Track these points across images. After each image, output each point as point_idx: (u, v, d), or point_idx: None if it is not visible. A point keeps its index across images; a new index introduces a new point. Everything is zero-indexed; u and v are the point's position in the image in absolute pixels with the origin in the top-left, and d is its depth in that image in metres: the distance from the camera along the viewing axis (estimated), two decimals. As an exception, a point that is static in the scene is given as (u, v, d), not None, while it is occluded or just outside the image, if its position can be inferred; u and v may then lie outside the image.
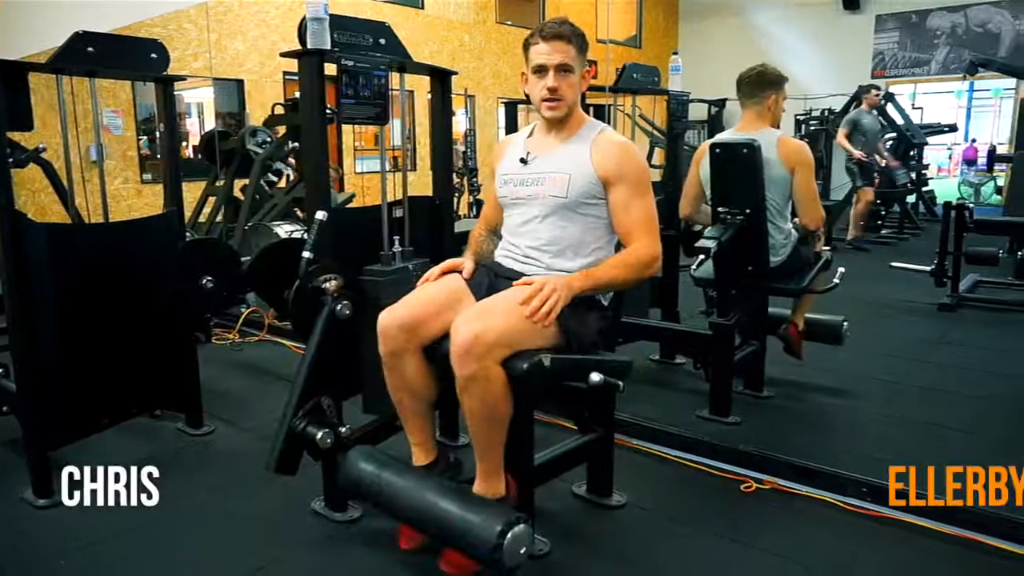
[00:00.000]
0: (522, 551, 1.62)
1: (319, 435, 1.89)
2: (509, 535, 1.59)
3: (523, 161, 2.00)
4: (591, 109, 3.34)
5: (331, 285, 1.97)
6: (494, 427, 1.74)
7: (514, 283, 1.83)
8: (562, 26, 1.88)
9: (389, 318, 1.85)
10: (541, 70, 1.89)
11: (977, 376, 3.42)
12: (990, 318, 4.55)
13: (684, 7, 14.71)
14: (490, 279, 1.97)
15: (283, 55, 2.03)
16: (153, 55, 2.56)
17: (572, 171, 1.91)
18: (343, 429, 1.97)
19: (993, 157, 8.97)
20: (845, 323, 3.22)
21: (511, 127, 3.52)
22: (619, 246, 1.99)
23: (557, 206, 1.91)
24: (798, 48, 12.96)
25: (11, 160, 2.21)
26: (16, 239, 2.15)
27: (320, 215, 1.98)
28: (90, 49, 2.37)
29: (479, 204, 8.32)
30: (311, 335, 1.97)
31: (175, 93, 2.73)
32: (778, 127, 2.92)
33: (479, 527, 1.62)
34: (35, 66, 2.33)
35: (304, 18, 1.94)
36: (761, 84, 2.83)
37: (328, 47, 1.96)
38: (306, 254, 1.95)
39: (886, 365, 3.58)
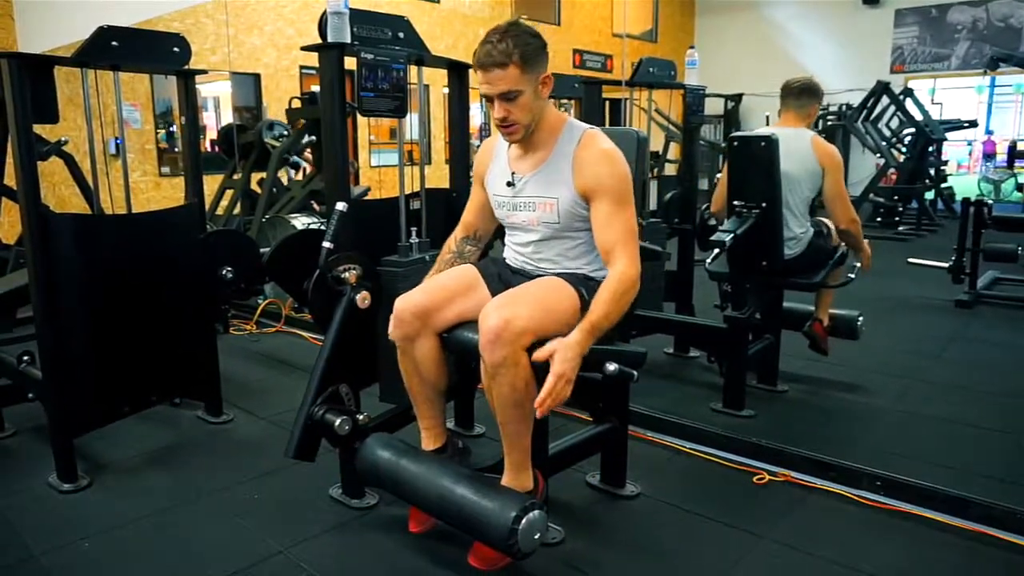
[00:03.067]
0: (536, 537, 1.65)
1: (337, 422, 1.93)
2: (524, 521, 1.62)
3: (510, 184, 1.93)
4: (607, 104, 3.36)
5: (351, 275, 2.01)
6: (522, 414, 1.74)
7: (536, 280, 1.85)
8: (497, 46, 1.73)
9: (404, 303, 1.87)
10: (489, 99, 1.80)
11: (993, 372, 3.40)
12: (1008, 315, 4.53)
13: (701, 2, 14.63)
14: (503, 272, 1.99)
15: (304, 48, 2.06)
16: (175, 49, 2.59)
17: (558, 195, 1.85)
18: (360, 416, 2.00)
19: (1014, 153, 8.88)
20: (860, 317, 3.22)
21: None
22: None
23: (552, 230, 1.90)
24: (815, 43, 12.86)
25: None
26: (43, 231, 2.20)
27: (340, 206, 2.01)
28: (114, 43, 2.41)
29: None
30: (330, 324, 2.00)
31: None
32: None
33: (494, 513, 1.65)
34: (61, 60, 2.37)
35: (325, 12, 1.96)
36: (810, 93, 2.96)
37: (348, 40, 1.98)
38: (326, 244, 1.98)
39: (902, 361, 3.57)
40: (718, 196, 3.17)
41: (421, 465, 1.87)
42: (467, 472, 1.85)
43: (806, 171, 2.82)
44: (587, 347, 1.70)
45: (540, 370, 1.71)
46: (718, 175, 3.20)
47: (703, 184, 3.73)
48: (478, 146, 7.74)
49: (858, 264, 2.99)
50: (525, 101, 1.78)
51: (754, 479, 2.32)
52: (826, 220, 2.98)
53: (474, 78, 1.94)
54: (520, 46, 1.74)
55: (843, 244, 2.96)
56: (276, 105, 7.94)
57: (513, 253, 2.04)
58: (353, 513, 2.14)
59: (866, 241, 2.98)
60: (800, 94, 2.96)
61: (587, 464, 2.23)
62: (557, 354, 1.65)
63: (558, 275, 1.89)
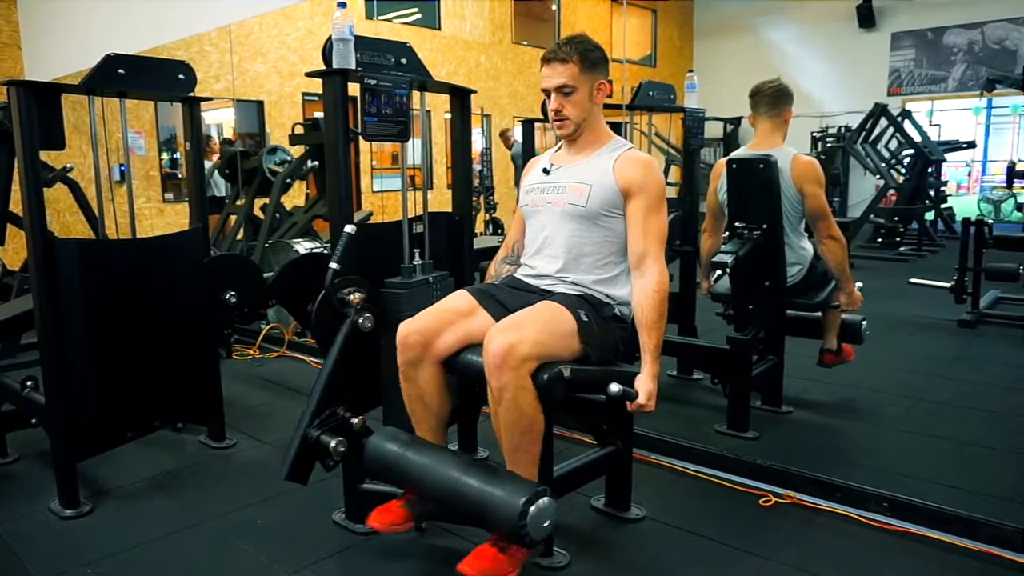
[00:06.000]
0: (547, 524, 1.63)
1: (333, 443, 1.86)
2: (534, 506, 1.60)
3: (546, 171, 2.07)
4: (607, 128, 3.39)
5: (354, 297, 2.01)
6: (529, 440, 1.75)
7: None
8: (563, 47, 1.92)
9: (407, 328, 1.89)
10: (547, 92, 1.97)
11: (997, 392, 3.39)
12: (1010, 334, 4.52)
13: (699, 26, 14.79)
14: (498, 292, 2.01)
15: (308, 75, 2.08)
16: (180, 76, 2.63)
17: (593, 182, 1.95)
18: (355, 420, 1.91)
19: (1013, 174, 8.91)
20: (864, 321, 3.17)
21: (528, 145, 3.55)
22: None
23: (575, 215, 1.95)
24: (813, 66, 12.99)
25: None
26: (48, 256, 2.21)
27: (349, 228, 2.02)
28: (121, 71, 2.44)
29: (495, 222, 8.37)
30: (331, 346, 2.00)
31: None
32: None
33: (504, 498, 1.62)
34: (68, 87, 2.40)
35: (329, 38, 1.99)
36: (781, 96, 2.85)
37: (353, 67, 2.00)
38: (333, 265, 1.98)
39: (905, 381, 3.56)
40: (707, 224, 3.17)
41: (428, 455, 1.83)
42: (474, 461, 1.82)
43: (788, 200, 2.78)
44: (659, 367, 1.86)
45: (545, 393, 1.73)
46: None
47: (703, 207, 3.74)
48: (480, 171, 7.75)
49: (837, 304, 2.90)
50: (579, 99, 1.94)
51: (760, 501, 2.30)
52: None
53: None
54: (581, 50, 1.91)
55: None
56: (280, 131, 8.02)
57: (524, 265, 2.09)
58: (356, 538, 2.12)
59: (858, 284, 2.88)
60: (776, 100, 2.84)
61: (592, 487, 2.22)
62: (650, 398, 1.84)
63: (557, 298, 1.91)
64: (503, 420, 1.73)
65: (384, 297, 2.14)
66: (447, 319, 1.90)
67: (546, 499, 1.63)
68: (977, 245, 4.78)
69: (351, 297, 2.00)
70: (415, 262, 2.24)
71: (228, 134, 8.80)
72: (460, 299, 1.98)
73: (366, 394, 2.21)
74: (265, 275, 3.04)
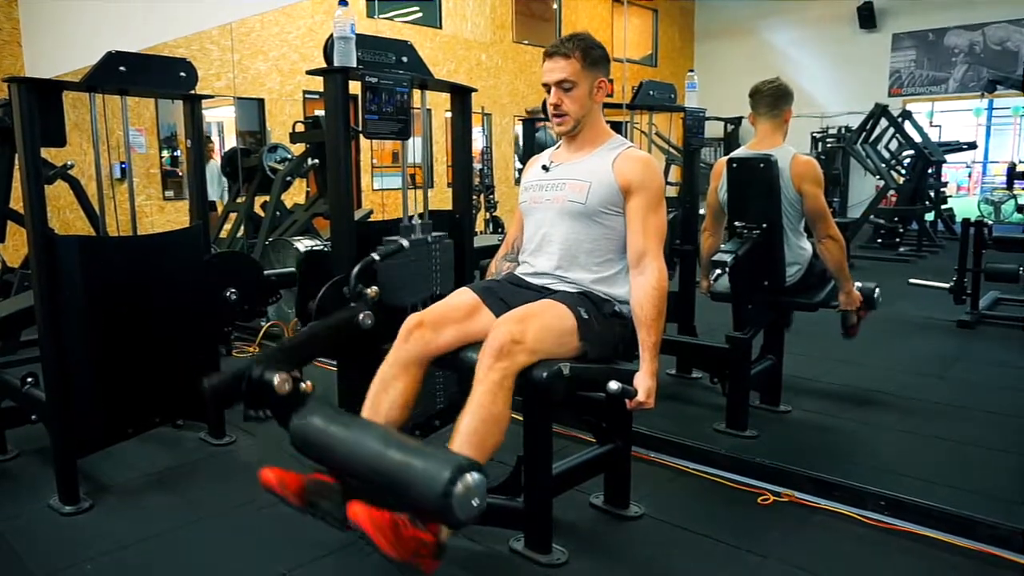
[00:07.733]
0: (475, 503, 1.43)
1: (277, 380, 1.65)
2: (460, 482, 1.40)
3: (545, 168, 2.08)
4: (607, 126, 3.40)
5: (371, 291, 2.02)
6: (487, 429, 1.68)
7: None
8: (564, 43, 1.93)
9: (416, 316, 1.89)
10: (547, 87, 1.97)
11: (996, 393, 3.39)
12: (1010, 335, 4.52)
13: (700, 27, 14.79)
14: (499, 287, 2.02)
15: (310, 72, 2.09)
16: (182, 73, 2.63)
17: (592, 180, 1.96)
18: (304, 384, 1.73)
19: (1013, 175, 8.92)
20: (877, 288, 3.10)
21: (529, 144, 3.55)
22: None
23: (574, 212, 1.96)
24: (814, 67, 12.99)
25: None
26: (49, 253, 2.21)
27: (405, 242, 2.09)
28: (122, 68, 2.44)
29: (495, 220, 8.37)
30: (327, 318, 1.98)
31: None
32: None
33: (427, 472, 1.43)
34: (69, 84, 2.40)
35: (331, 37, 2.00)
36: (781, 96, 2.86)
37: (354, 65, 2.01)
38: (375, 256, 2.03)
39: (904, 381, 3.56)
40: (707, 223, 3.17)
41: (353, 427, 1.64)
42: (402, 435, 1.65)
43: (787, 199, 2.79)
44: (658, 365, 1.88)
45: (533, 392, 1.73)
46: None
47: (703, 206, 3.76)
48: (480, 169, 7.76)
49: (837, 303, 2.90)
50: (578, 95, 1.94)
51: (758, 499, 2.31)
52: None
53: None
54: (583, 47, 1.92)
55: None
56: (280, 129, 8.03)
57: (523, 264, 2.09)
58: (356, 534, 2.12)
59: (857, 284, 2.88)
60: (776, 100, 2.84)
61: (591, 485, 2.22)
62: (649, 396, 1.86)
63: (558, 296, 1.91)
64: (474, 401, 1.68)
65: (378, 251, 2.13)
66: (452, 316, 1.90)
67: (476, 475, 1.43)
68: (977, 246, 4.78)
69: (369, 291, 2.01)
70: (414, 221, 2.23)
71: (230, 132, 8.81)
72: (464, 296, 1.98)
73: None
74: (265, 273, 3.05)
